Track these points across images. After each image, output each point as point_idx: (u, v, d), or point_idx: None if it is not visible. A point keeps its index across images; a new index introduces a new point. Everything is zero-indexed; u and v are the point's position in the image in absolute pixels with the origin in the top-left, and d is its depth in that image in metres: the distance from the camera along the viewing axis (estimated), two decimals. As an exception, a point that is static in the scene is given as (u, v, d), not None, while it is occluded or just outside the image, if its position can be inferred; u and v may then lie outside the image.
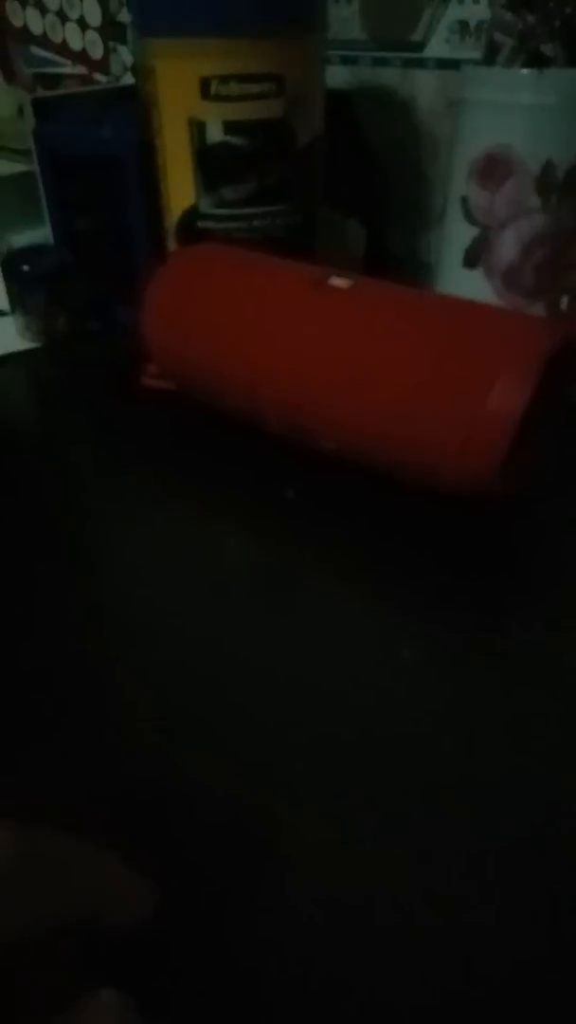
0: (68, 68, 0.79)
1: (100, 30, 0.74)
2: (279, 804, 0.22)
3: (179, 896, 0.20)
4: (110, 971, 0.16)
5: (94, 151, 0.51)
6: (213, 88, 0.42)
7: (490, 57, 0.43)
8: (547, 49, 0.40)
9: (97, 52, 0.76)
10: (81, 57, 0.78)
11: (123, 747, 0.24)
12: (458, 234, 0.46)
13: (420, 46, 0.54)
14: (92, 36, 0.75)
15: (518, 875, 0.20)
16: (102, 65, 0.77)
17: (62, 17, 0.77)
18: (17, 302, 0.54)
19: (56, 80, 0.75)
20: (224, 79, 0.42)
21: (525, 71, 0.40)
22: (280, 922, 0.20)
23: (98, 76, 0.77)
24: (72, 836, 0.16)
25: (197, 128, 0.43)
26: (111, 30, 0.73)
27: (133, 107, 0.51)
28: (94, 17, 0.74)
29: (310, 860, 0.21)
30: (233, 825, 0.22)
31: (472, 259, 0.46)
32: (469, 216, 0.45)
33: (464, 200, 0.45)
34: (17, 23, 0.83)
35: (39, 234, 0.60)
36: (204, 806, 0.22)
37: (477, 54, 0.50)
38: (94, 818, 0.18)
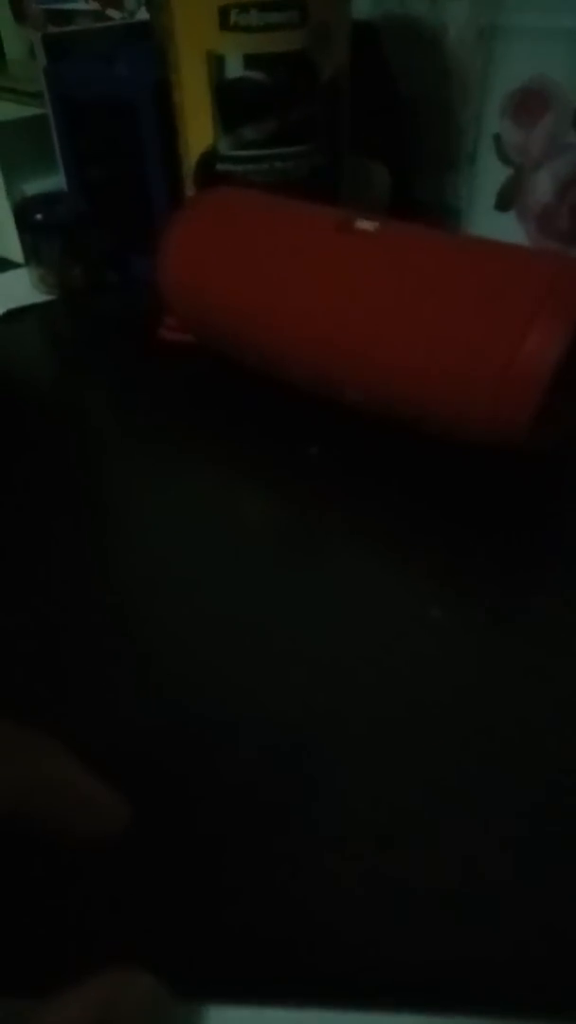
0: (80, 3, 0.75)
1: (112, -38, 0.71)
2: (308, 768, 0.22)
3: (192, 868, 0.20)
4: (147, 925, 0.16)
5: (109, 90, 0.49)
6: (232, 18, 0.40)
7: (528, -21, 0.40)
8: (591, -32, 0.38)
9: (110, -13, 0.73)
10: (93, -8, 0.74)
11: (137, 710, 0.24)
12: (490, 175, 0.44)
13: (451, -29, 0.51)
14: (104, -31, 0.72)
15: (553, 837, 0.20)
16: (115, 0, 0.73)
17: (72, -51, 0.73)
18: (31, 253, 0.53)
19: (68, 16, 0.72)
20: (244, 7, 0.39)
21: (567, -7, 0.37)
22: (313, 888, 0.19)
23: (111, 12, 0.74)
24: (20, 726, 0.16)
25: (215, 62, 0.41)
26: (124, -38, 0.70)
27: (149, 44, 0.49)
28: (106, -52, 0.70)
29: (342, 824, 0.21)
30: (261, 789, 0.22)
31: (505, 201, 0.44)
32: (502, 155, 0.43)
33: (497, 138, 0.43)
34: (26, -43, 0.79)
35: (52, 182, 0.58)
36: (224, 772, 0.22)
37: (512, -21, 0.47)
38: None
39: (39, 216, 0.52)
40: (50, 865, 0.19)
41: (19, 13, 0.87)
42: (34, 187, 0.58)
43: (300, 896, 0.19)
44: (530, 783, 0.21)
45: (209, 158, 0.44)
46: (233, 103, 0.42)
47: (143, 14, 0.71)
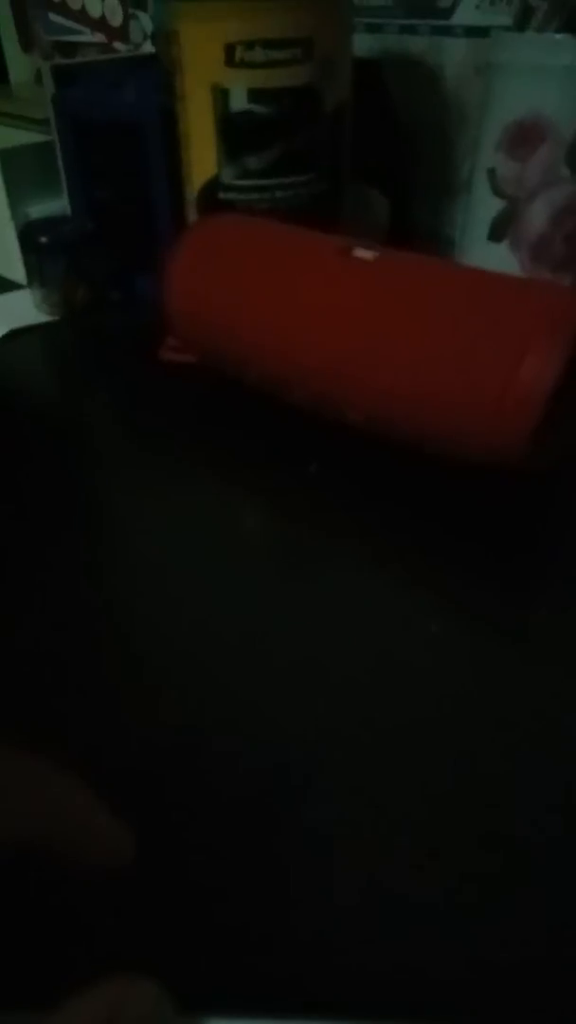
0: (86, 36, 0.77)
1: (119, -4, 0.72)
2: (308, 779, 0.22)
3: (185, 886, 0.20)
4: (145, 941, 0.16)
5: (116, 117, 0.50)
6: (238, 54, 0.41)
7: (523, 21, 0.42)
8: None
9: (116, 19, 0.75)
10: (100, 24, 0.76)
11: (137, 727, 0.24)
12: (484, 206, 0.45)
13: (448, 12, 0.52)
14: (111, 2, 0.74)
15: (554, 848, 0.20)
16: (121, 32, 0.75)
17: (80, -17, 0.75)
18: (35, 274, 0.54)
19: (74, 48, 0.74)
20: (249, 44, 0.41)
21: (560, 35, 0.39)
22: (313, 899, 0.20)
23: (117, 44, 0.76)
24: (27, 756, 0.16)
25: (220, 95, 0.42)
26: (130, -4, 0.72)
27: (154, 74, 0.50)
28: (113, -17, 0.72)
29: (341, 836, 0.21)
30: (257, 801, 0.22)
31: (498, 232, 0.45)
32: (496, 188, 0.44)
33: (491, 172, 0.44)
34: (35, -11, 0.82)
35: (56, 205, 0.59)
36: (224, 784, 0.22)
37: (507, 20, 0.49)
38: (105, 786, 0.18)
39: (43, 238, 0.53)
40: (52, 877, 0.19)
41: (26, 41, 0.89)
42: (38, 211, 0.59)
43: (300, 908, 0.19)
44: (531, 796, 0.22)
45: (212, 186, 0.45)
46: (237, 134, 0.43)
47: (148, 47, 0.73)
